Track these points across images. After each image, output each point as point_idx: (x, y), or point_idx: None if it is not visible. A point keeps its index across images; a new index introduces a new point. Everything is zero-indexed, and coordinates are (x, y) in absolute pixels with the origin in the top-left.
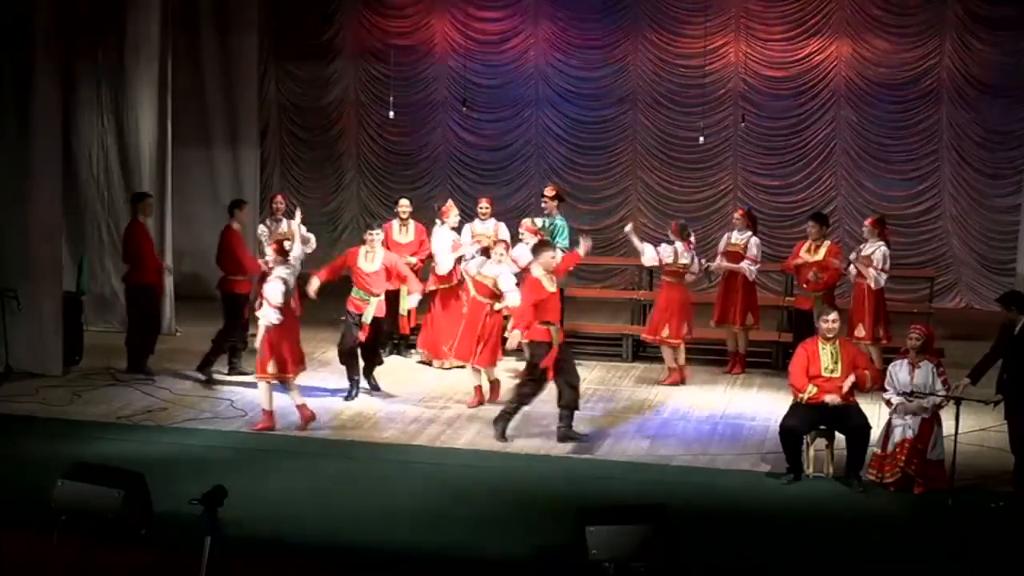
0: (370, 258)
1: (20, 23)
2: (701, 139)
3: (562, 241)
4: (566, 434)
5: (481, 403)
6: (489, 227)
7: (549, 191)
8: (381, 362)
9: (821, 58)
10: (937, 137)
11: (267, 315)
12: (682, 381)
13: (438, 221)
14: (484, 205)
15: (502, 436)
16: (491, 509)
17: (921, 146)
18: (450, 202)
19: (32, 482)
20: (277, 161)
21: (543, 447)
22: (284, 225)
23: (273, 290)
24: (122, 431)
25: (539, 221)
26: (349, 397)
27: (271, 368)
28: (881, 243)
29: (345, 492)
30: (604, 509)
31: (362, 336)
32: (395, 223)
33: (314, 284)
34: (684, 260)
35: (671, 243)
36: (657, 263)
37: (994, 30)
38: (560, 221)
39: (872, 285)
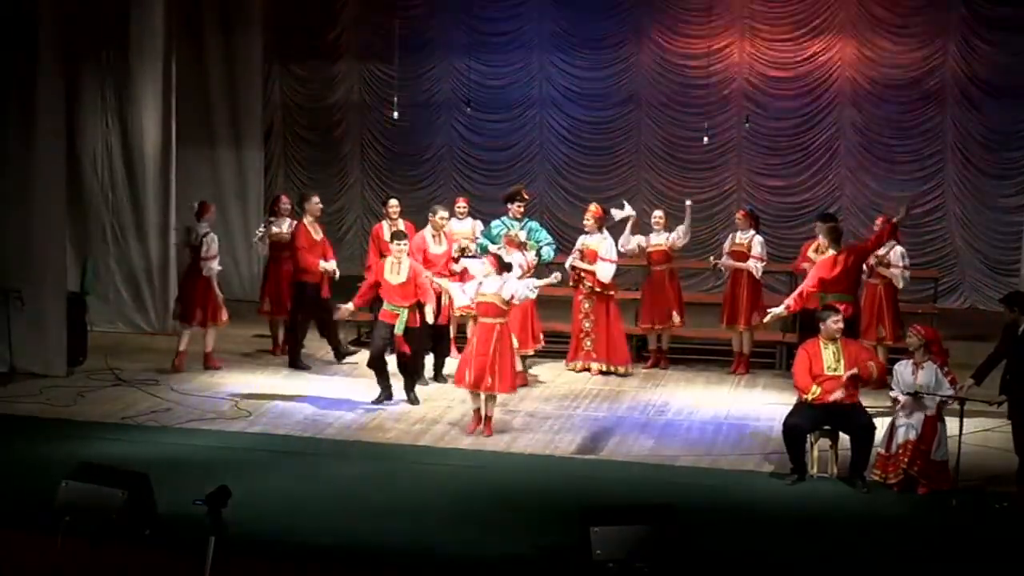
0: (395, 270)
1: (24, 24)
2: (705, 139)
3: (542, 239)
4: None
5: (477, 429)
6: (467, 226)
7: (525, 195)
8: (420, 376)
9: (825, 58)
10: (941, 138)
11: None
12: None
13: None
14: (461, 204)
15: None
16: (494, 509)
17: (925, 146)
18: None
19: (36, 483)
20: (281, 162)
21: (547, 447)
22: (286, 224)
23: None
24: (126, 431)
25: (523, 234)
26: (378, 401)
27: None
28: (893, 242)
29: (348, 492)
30: (608, 509)
31: (404, 349)
32: (385, 224)
33: (346, 309)
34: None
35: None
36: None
37: (999, 31)
38: (532, 223)
39: (899, 285)
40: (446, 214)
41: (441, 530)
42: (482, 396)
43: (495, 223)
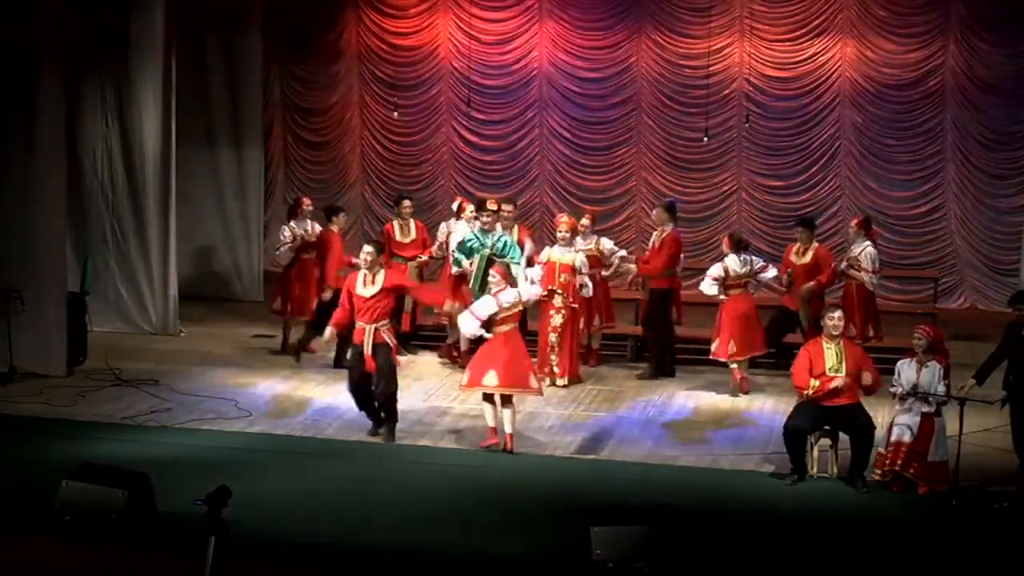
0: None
1: (25, 25)
2: (705, 140)
3: (516, 256)
4: None
5: (497, 444)
6: (463, 226)
7: (492, 204)
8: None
9: (825, 59)
10: (941, 138)
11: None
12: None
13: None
14: (457, 205)
15: None
16: (494, 509)
17: (925, 147)
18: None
19: (36, 483)
20: (281, 162)
21: (547, 447)
22: (309, 225)
23: None
24: (126, 431)
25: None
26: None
27: None
28: (867, 243)
29: (349, 492)
30: (608, 509)
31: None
32: (396, 224)
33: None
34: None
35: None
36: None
37: (999, 31)
38: (507, 237)
39: (869, 287)
40: (371, 250)
41: (441, 530)
42: (504, 412)
43: (468, 235)
